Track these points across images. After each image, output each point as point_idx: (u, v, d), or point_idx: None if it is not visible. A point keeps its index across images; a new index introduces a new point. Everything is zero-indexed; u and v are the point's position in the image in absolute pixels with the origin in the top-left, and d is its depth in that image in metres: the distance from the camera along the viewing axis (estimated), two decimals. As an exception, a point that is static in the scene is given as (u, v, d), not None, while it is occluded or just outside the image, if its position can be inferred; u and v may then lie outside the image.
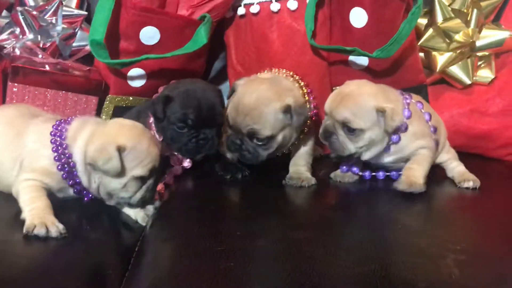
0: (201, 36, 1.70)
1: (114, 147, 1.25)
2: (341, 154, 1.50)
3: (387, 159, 1.55)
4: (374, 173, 1.60)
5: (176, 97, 1.51)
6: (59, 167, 1.29)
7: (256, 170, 1.58)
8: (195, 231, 1.18)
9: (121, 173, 1.26)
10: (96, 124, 1.34)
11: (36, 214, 1.21)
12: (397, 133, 1.49)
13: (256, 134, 1.47)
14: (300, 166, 1.61)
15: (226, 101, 1.63)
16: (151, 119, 1.57)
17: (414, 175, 1.48)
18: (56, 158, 1.30)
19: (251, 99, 1.48)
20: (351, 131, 1.46)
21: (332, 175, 1.61)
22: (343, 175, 1.60)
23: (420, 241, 1.15)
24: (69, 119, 1.38)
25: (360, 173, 1.59)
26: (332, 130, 1.48)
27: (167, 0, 1.77)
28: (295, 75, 1.66)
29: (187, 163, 1.58)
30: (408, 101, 1.55)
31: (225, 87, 1.99)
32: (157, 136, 1.54)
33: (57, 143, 1.30)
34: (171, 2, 1.78)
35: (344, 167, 1.59)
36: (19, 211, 1.24)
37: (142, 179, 1.30)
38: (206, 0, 1.76)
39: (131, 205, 1.34)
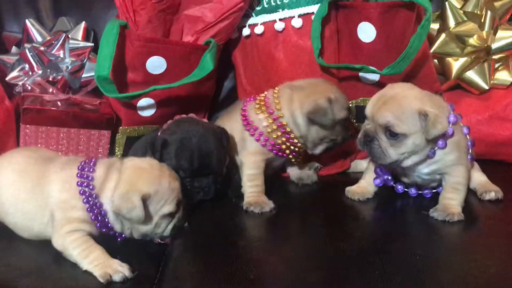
0: (208, 63, 1.68)
1: (138, 197, 1.26)
2: (381, 162, 1.44)
3: (424, 170, 1.49)
4: (406, 189, 1.56)
5: (172, 144, 1.50)
6: (93, 218, 1.31)
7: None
8: (208, 275, 1.17)
9: (148, 217, 1.30)
10: (120, 170, 1.34)
11: (102, 263, 1.23)
12: (444, 138, 1.43)
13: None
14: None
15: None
16: (158, 155, 1.55)
17: (451, 204, 1.44)
18: (89, 209, 1.30)
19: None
20: (393, 135, 1.40)
21: (348, 192, 1.58)
22: (362, 192, 1.56)
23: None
24: (91, 164, 1.36)
25: (393, 185, 1.56)
26: (374, 134, 1.43)
27: (171, 28, 1.76)
28: None
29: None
30: (453, 108, 1.50)
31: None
32: None
33: (87, 193, 1.30)
34: (176, 30, 1.77)
35: (378, 179, 1.56)
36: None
37: (171, 214, 1.33)
38: (210, 25, 1.74)
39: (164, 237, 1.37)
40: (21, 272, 1.25)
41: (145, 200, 1.27)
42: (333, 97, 1.57)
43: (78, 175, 1.32)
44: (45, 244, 1.32)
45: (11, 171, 1.39)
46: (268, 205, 1.51)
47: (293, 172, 1.76)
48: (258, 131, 1.61)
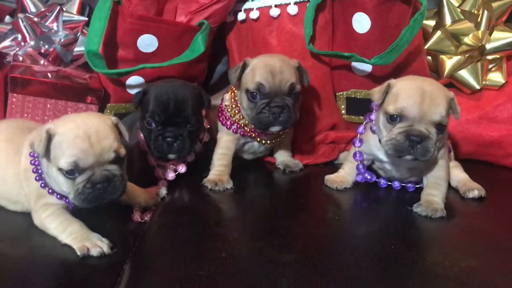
0: (199, 44, 1.68)
1: (45, 129, 1.21)
2: (426, 159, 1.39)
3: (407, 164, 1.50)
4: (390, 183, 1.56)
5: (152, 91, 1.52)
6: (37, 178, 1.28)
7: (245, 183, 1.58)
8: (180, 252, 1.17)
9: (52, 161, 1.22)
10: None
11: (80, 236, 1.22)
12: None
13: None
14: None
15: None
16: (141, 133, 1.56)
17: (434, 200, 1.43)
18: (37, 178, 1.28)
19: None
20: (441, 129, 1.39)
21: (327, 180, 1.58)
22: (341, 181, 1.56)
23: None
24: None
25: (377, 180, 1.56)
26: (428, 134, 1.36)
27: (165, 7, 1.75)
28: None
29: (171, 176, 1.56)
30: None
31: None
32: (146, 147, 1.54)
33: (36, 162, 1.28)
34: (169, 9, 1.76)
35: (360, 176, 1.56)
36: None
37: (68, 173, 1.20)
38: (204, 6, 1.73)
39: (83, 203, 1.23)
40: (-1, 238, 1.26)
41: (50, 137, 1.21)
42: (255, 61, 1.56)
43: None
44: (28, 213, 1.33)
45: None
46: (226, 184, 1.53)
47: (280, 159, 1.76)
48: (224, 112, 1.64)
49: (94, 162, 1.20)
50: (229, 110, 1.63)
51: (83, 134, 1.19)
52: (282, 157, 1.76)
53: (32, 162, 1.29)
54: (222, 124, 1.65)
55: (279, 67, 1.51)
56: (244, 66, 1.56)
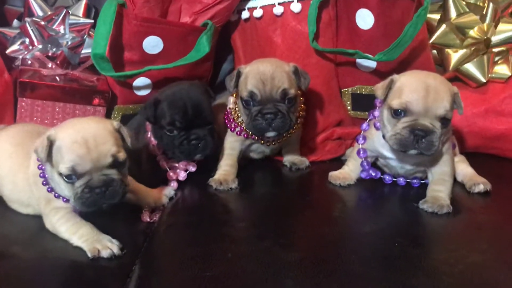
0: (203, 45, 1.69)
1: (46, 136, 1.23)
2: (430, 153, 1.38)
3: (412, 160, 1.51)
4: (394, 179, 1.57)
5: (164, 100, 1.51)
6: (44, 182, 1.30)
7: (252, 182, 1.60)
8: (187, 253, 1.19)
9: (54, 166, 1.24)
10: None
11: (91, 238, 1.24)
12: None
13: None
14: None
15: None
16: (149, 134, 1.57)
17: (440, 196, 1.44)
18: (44, 182, 1.30)
19: None
20: (445, 123, 1.39)
21: (330, 177, 1.59)
22: (344, 178, 1.57)
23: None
24: None
25: (381, 177, 1.57)
26: (433, 128, 1.37)
27: (169, 8, 1.77)
28: None
29: (182, 176, 1.58)
30: None
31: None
32: (156, 149, 1.55)
33: (43, 167, 1.30)
34: (173, 10, 1.77)
35: (365, 173, 1.57)
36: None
37: (67, 178, 1.22)
38: (208, 7, 1.75)
39: (82, 206, 1.24)
40: (10, 240, 1.29)
41: (51, 143, 1.23)
42: (247, 69, 1.56)
43: None
44: (40, 216, 1.35)
45: (9, 144, 1.43)
46: (231, 184, 1.54)
47: (287, 156, 1.78)
48: (229, 115, 1.66)
49: (92, 167, 1.21)
50: (232, 113, 1.65)
51: (81, 139, 1.21)
52: (289, 155, 1.77)
53: (39, 166, 1.31)
54: (227, 126, 1.66)
55: (271, 73, 1.51)
56: (239, 74, 1.57)
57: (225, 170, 1.60)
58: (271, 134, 1.54)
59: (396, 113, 1.41)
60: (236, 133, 1.64)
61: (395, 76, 1.46)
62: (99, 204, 1.24)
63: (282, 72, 1.53)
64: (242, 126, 1.63)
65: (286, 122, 1.52)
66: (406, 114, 1.39)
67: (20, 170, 1.38)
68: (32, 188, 1.36)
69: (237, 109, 1.64)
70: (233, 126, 1.64)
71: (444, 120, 1.39)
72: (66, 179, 1.23)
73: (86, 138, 1.21)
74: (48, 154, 1.24)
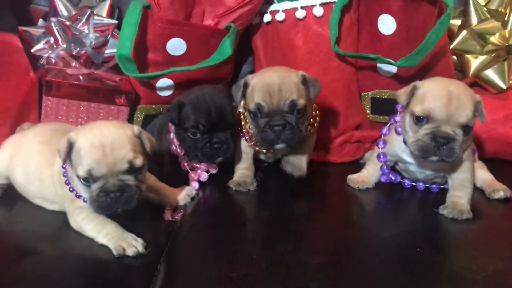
0: (226, 48, 1.71)
1: (67, 137, 1.25)
2: (451, 160, 1.40)
3: (432, 166, 1.52)
4: (414, 183, 1.58)
5: (188, 103, 1.52)
6: (67, 182, 1.32)
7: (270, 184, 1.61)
8: (211, 253, 1.21)
9: (73, 167, 1.26)
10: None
11: (116, 236, 1.26)
12: None
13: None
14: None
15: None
16: (172, 134, 1.60)
17: (460, 202, 1.45)
18: (66, 181, 1.32)
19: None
20: (466, 131, 1.40)
21: (349, 180, 1.61)
22: (363, 181, 1.59)
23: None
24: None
25: (401, 181, 1.58)
26: (454, 136, 1.37)
27: (193, 11, 1.79)
28: None
29: (203, 177, 1.60)
30: None
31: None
32: (178, 150, 1.57)
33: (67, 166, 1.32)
34: (197, 13, 1.79)
35: (384, 176, 1.58)
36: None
37: (84, 180, 1.24)
38: (231, 10, 1.77)
39: (97, 209, 1.26)
40: (36, 237, 1.32)
41: (71, 145, 1.24)
42: (254, 80, 1.52)
43: None
44: (64, 213, 1.37)
45: (36, 142, 1.45)
46: (249, 186, 1.56)
47: (287, 158, 1.71)
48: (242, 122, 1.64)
49: (108, 171, 1.22)
50: (242, 117, 1.63)
51: (98, 143, 1.22)
52: (291, 156, 1.69)
53: (63, 166, 1.33)
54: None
55: (278, 85, 1.47)
56: (246, 85, 1.54)
57: (243, 173, 1.62)
58: (280, 146, 1.51)
59: (418, 120, 1.42)
60: (246, 140, 1.63)
61: (418, 83, 1.46)
62: (113, 208, 1.25)
63: (289, 83, 1.48)
64: (251, 133, 1.60)
65: (295, 134, 1.48)
66: (428, 120, 1.40)
67: (47, 168, 1.40)
68: (57, 186, 1.39)
69: (246, 114, 1.61)
70: (243, 131, 1.63)
71: (466, 128, 1.39)
72: (83, 182, 1.25)
73: (103, 142, 1.22)
74: (68, 156, 1.26)
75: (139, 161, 1.25)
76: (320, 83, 1.53)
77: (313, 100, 1.57)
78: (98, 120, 1.32)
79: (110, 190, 1.22)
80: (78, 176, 1.24)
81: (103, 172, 1.22)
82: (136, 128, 1.31)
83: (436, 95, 1.40)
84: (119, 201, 1.24)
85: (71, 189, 1.32)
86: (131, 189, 1.24)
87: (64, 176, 1.34)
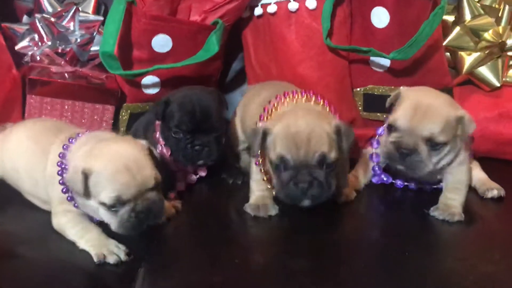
0: (213, 45, 1.67)
1: (81, 170, 1.19)
2: (419, 173, 1.39)
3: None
4: (406, 183, 1.55)
5: (174, 101, 1.50)
6: (63, 190, 1.28)
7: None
8: (194, 257, 1.18)
9: (90, 196, 1.22)
10: (95, 142, 1.27)
11: (98, 243, 1.23)
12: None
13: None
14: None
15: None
16: (158, 134, 1.57)
17: (452, 204, 1.41)
18: (61, 181, 1.29)
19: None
20: (434, 146, 1.37)
21: None
22: (352, 182, 1.53)
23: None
24: (79, 136, 1.33)
25: (393, 182, 1.55)
26: (415, 147, 1.35)
27: (178, 6, 1.75)
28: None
29: (192, 179, 1.57)
30: None
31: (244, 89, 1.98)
32: (164, 150, 1.55)
33: (62, 165, 1.29)
34: (183, 8, 1.75)
35: (376, 177, 1.56)
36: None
37: (110, 207, 1.20)
38: (218, 5, 1.73)
39: (127, 231, 1.23)
40: (18, 240, 1.29)
41: (87, 175, 1.19)
42: (277, 128, 1.31)
43: (64, 146, 1.30)
44: (49, 216, 1.34)
45: (25, 138, 1.42)
46: (270, 210, 1.39)
47: None
48: None
49: (137, 193, 1.19)
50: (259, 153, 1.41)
51: (123, 167, 1.18)
52: None
53: (59, 172, 1.29)
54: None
55: (307, 134, 1.26)
56: (265, 135, 1.33)
57: (260, 195, 1.43)
58: (306, 203, 1.29)
59: (389, 127, 1.41)
60: (260, 171, 1.43)
61: (403, 90, 1.44)
62: (144, 225, 1.23)
63: (321, 133, 1.27)
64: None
65: (324, 191, 1.28)
66: (395, 130, 1.39)
67: (38, 169, 1.36)
68: (47, 187, 1.35)
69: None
70: (257, 160, 1.44)
71: (434, 143, 1.36)
72: (109, 209, 1.21)
73: (128, 165, 1.18)
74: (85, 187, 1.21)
75: (159, 176, 1.24)
76: (354, 133, 1.36)
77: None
78: (103, 142, 1.26)
79: (141, 211, 1.20)
80: (102, 203, 1.20)
81: (133, 193, 1.19)
82: (144, 142, 1.29)
83: (405, 106, 1.39)
84: (149, 218, 1.22)
85: (64, 190, 1.29)
86: (158, 204, 1.23)
87: (59, 174, 1.29)
